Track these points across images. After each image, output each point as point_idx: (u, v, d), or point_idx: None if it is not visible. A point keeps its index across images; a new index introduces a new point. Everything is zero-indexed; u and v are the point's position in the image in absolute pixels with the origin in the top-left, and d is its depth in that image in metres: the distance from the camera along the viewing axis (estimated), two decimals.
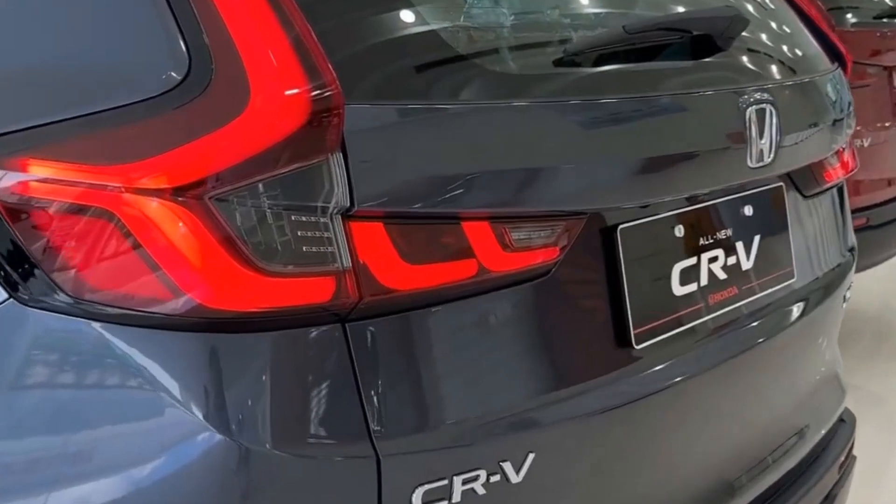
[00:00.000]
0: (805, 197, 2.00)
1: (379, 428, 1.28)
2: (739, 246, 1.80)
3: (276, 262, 1.23)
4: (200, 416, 1.22)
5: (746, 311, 1.80)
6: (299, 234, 1.24)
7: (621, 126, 1.56)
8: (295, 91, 1.22)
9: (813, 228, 2.04)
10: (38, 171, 1.25)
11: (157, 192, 1.20)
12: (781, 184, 1.91)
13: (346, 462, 1.28)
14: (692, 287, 1.68)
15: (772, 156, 1.75)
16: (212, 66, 1.23)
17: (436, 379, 1.35)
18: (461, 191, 1.34)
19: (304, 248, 1.24)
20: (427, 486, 1.32)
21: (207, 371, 1.24)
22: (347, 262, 1.26)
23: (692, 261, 1.69)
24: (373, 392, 1.28)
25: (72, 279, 1.24)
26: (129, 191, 1.21)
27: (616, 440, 1.57)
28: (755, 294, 1.83)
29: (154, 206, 1.20)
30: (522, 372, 1.45)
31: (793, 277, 1.92)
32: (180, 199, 1.20)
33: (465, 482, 1.34)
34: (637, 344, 1.57)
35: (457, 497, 1.34)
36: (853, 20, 4.21)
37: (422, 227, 1.33)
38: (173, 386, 1.24)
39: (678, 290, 1.66)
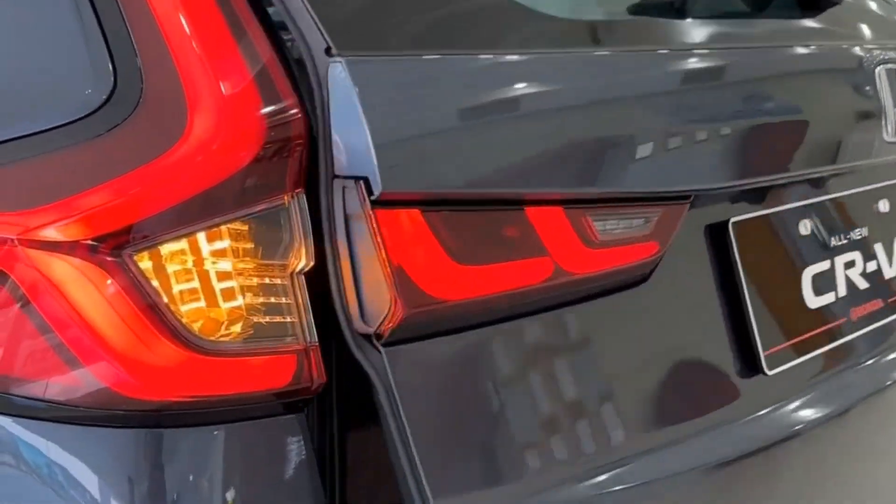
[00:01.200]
0: None
1: None
2: (879, 248, 1.50)
3: (219, 338, 0.95)
4: None
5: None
6: (249, 300, 0.95)
7: (725, 85, 1.26)
8: (246, 114, 0.95)
9: None
10: None
11: (64, 246, 0.93)
12: None
13: None
14: (829, 298, 1.40)
15: None
16: (141, 84, 0.97)
17: (494, 425, 1.06)
18: (523, 166, 1.04)
19: (254, 320, 0.96)
20: None
21: (134, 474, 0.97)
22: (312, 337, 0.98)
23: (825, 265, 1.40)
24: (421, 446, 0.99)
25: None
26: (28, 244, 0.93)
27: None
28: None
29: (58, 265, 0.93)
30: (617, 415, 1.16)
31: None
32: (94, 255, 0.93)
33: None
34: (769, 369, 1.29)
35: None
36: None
37: (472, 215, 1.03)
38: (95, 492, 0.97)
39: (812, 301, 1.37)
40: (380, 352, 0.98)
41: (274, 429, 0.99)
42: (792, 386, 1.33)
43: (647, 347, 1.19)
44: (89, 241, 0.93)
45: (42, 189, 0.96)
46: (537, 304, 1.08)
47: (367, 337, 0.99)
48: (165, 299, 0.94)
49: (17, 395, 0.97)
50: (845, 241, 1.43)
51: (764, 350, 1.29)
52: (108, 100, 0.97)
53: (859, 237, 1.46)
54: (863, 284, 1.45)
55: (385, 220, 0.96)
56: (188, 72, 0.96)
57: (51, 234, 0.94)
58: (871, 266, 1.48)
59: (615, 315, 1.16)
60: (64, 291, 0.93)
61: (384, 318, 0.97)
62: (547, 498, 1.07)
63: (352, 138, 0.95)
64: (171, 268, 0.94)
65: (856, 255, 1.44)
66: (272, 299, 0.97)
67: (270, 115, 0.96)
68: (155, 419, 0.95)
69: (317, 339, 0.98)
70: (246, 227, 0.96)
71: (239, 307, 0.96)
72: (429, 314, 1.00)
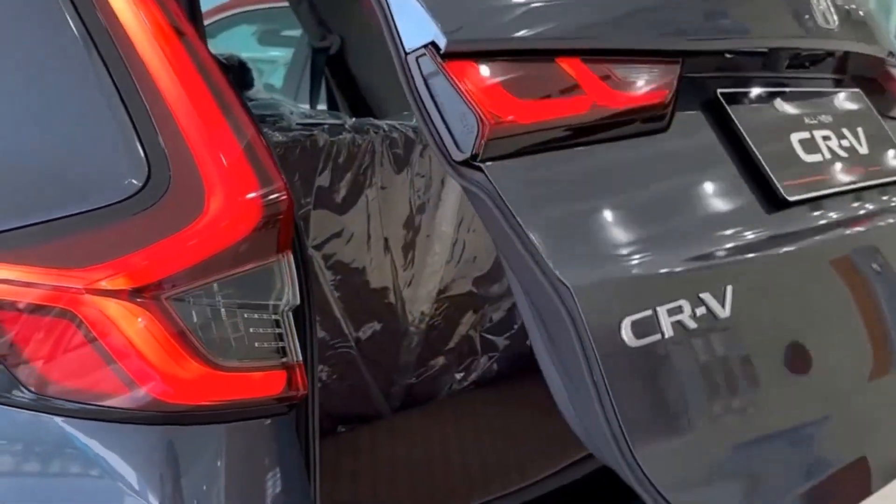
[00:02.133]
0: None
1: None
2: (846, 132, 1.80)
3: (230, 358, 1.30)
4: None
5: (877, 193, 1.80)
6: (251, 330, 1.31)
7: None
8: (247, 197, 1.30)
9: None
10: (5, 273, 1.32)
11: (115, 293, 1.27)
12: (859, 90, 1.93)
13: None
14: (818, 157, 1.69)
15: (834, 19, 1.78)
16: (169, 173, 1.31)
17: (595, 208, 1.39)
18: (555, 23, 1.40)
19: (255, 345, 1.31)
20: None
21: (163, 462, 1.30)
22: (298, 356, 1.33)
23: (806, 134, 1.71)
24: None
25: (35, 375, 1.30)
26: (90, 292, 1.28)
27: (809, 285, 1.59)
28: (882, 178, 1.83)
29: (113, 307, 1.27)
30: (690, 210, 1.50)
31: None
32: (138, 299, 1.27)
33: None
34: (789, 196, 1.58)
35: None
36: None
37: (521, 63, 1.37)
38: (131, 476, 1.29)
39: (806, 157, 1.67)
40: (481, 169, 1.31)
41: (271, 424, 1.33)
42: (812, 212, 1.62)
43: (677, 182, 1.52)
44: (134, 289, 1.28)
45: (100, 252, 1.28)
46: (586, 133, 1.41)
47: (465, 164, 1.32)
48: (190, 330, 1.29)
49: (80, 402, 1.28)
50: (816, 122, 1.74)
51: (780, 183, 1.58)
52: (143, 186, 1.30)
53: (829, 121, 1.76)
54: (843, 154, 1.74)
55: (455, 69, 1.31)
56: (204, 164, 1.31)
57: (106, 284, 1.28)
58: (845, 143, 1.77)
59: (648, 155, 1.48)
60: (117, 325, 1.28)
61: (476, 137, 1.30)
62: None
63: (412, 16, 1.32)
64: (194, 308, 1.29)
65: (829, 133, 1.75)
66: (268, 329, 1.32)
67: (264, 195, 1.31)
68: (187, 418, 1.28)
69: (301, 359, 1.34)
70: (248, 278, 1.31)
71: (243, 335, 1.32)
72: (506, 133, 1.33)
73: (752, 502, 1.43)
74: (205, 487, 1.30)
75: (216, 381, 1.29)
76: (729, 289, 1.42)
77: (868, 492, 1.59)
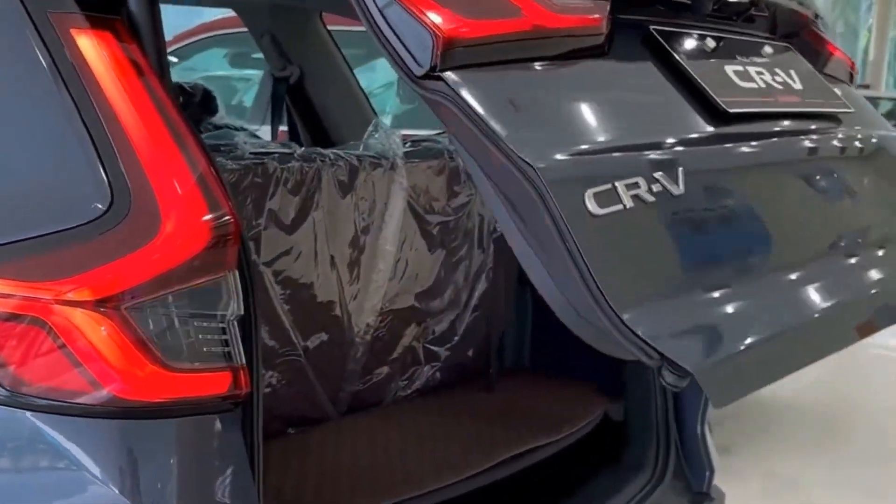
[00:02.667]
0: None
1: None
2: (779, 71, 1.96)
3: (182, 360, 1.48)
4: (117, 491, 1.46)
5: (811, 119, 1.98)
6: (200, 337, 1.49)
7: None
8: (198, 220, 1.49)
9: None
10: None
11: (81, 304, 1.45)
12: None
13: None
14: (753, 85, 1.85)
15: None
16: (129, 199, 1.49)
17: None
18: None
19: (204, 349, 1.50)
20: None
21: (122, 452, 1.48)
22: (242, 360, 1.52)
23: (740, 68, 1.87)
24: None
25: (9, 375, 1.48)
26: (58, 302, 1.46)
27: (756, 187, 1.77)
28: (816, 108, 2.00)
29: (78, 315, 1.45)
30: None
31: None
32: (101, 309, 1.45)
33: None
34: (730, 109, 1.73)
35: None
36: None
37: None
38: (94, 465, 1.47)
39: (742, 84, 1.83)
40: (441, 79, 1.46)
41: (219, 420, 1.51)
42: (751, 125, 1.78)
43: (623, 91, 1.68)
44: (98, 300, 1.46)
45: (68, 267, 1.46)
46: (533, 50, 1.58)
47: (426, 77, 1.47)
48: (147, 337, 1.47)
49: (50, 398, 1.46)
50: (748, 61, 1.90)
51: (719, 98, 1.73)
52: (107, 210, 1.48)
53: (761, 62, 1.93)
54: (777, 87, 1.90)
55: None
56: (161, 190, 1.50)
57: (72, 296, 1.46)
58: (779, 79, 1.92)
59: (594, 70, 1.65)
60: (82, 331, 1.45)
61: (432, 52, 1.46)
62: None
63: None
64: (151, 317, 1.47)
65: (763, 70, 1.90)
66: (216, 336, 1.51)
67: (214, 219, 1.49)
68: (144, 413, 1.46)
69: (245, 362, 1.53)
70: (198, 291, 1.50)
71: (193, 341, 1.50)
72: (459, 45, 1.47)
73: (720, 348, 1.58)
74: (159, 475, 1.48)
75: (169, 380, 1.47)
76: (681, 171, 1.57)
77: (818, 354, 1.76)
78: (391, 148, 2.32)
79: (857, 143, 2.06)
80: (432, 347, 2.64)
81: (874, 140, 2.10)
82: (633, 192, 1.50)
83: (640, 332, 1.42)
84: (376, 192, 2.28)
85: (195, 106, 3.24)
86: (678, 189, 1.56)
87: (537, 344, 2.94)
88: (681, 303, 1.55)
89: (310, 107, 3.49)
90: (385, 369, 2.53)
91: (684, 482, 2.70)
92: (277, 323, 2.15)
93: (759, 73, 1.90)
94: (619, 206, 1.48)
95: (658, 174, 1.55)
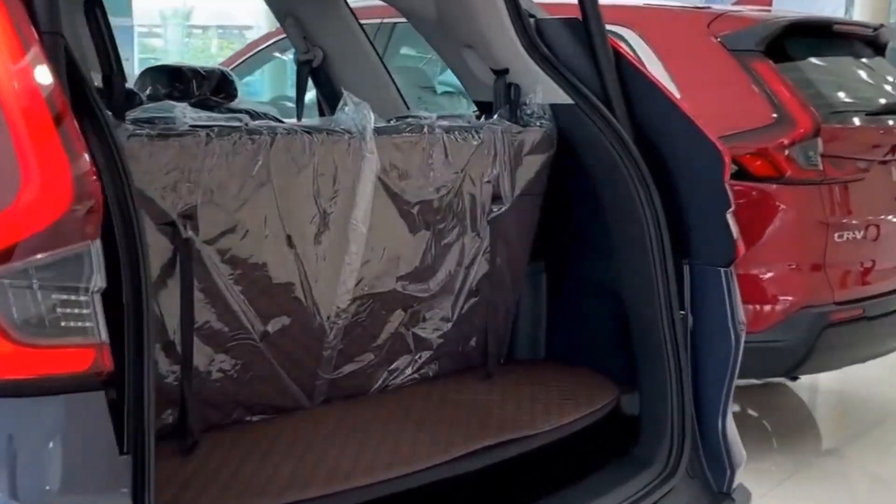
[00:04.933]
0: None
1: None
2: None
3: (39, 336, 1.41)
4: None
5: None
6: (59, 311, 1.41)
7: None
8: (58, 184, 1.41)
9: None
10: None
11: None
12: None
13: None
14: None
15: None
16: None
17: None
18: None
19: (62, 324, 1.42)
20: None
21: None
22: (104, 337, 1.44)
23: None
24: None
25: None
26: None
27: None
28: None
29: None
30: None
31: None
32: None
33: None
34: None
35: None
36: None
37: None
38: None
39: None
40: None
41: (82, 399, 1.44)
42: None
43: None
44: None
45: None
46: None
47: None
48: (3, 310, 1.40)
49: None
50: None
51: None
52: None
53: None
54: None
55: None
56: (23, 158, 1.43)
57: None
58: None
59: None
60: None
61: None
62: None
63: None
64: (9, 288, 1.41)
65: None
66: (77, 310, 1.43)
67: (75, 188, 1.42)
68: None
69: (108, 339, 1.44)
70: (58, 263, 1.42)
71: (56, 316, 1.42)
72: None
73: None
74: (14, 456, 1.41)
75: (26, 357, 1.40)
76: None
77: None
78: (360, 122, 2.20)
79: None
80: (423, 335, 2.52)
81: None
82: None
83: None
84: (339, 169, 2.17)
85: (206, 89, 3.20)
86: None
87: (553, 331, 2.79)
88: None
89: (333, 91, 3.41)
90: (369, 356, 2.42)
91: (702, 481, 2.52)
92: (225, 305, 2.06)
93: None
94: None
95: None
